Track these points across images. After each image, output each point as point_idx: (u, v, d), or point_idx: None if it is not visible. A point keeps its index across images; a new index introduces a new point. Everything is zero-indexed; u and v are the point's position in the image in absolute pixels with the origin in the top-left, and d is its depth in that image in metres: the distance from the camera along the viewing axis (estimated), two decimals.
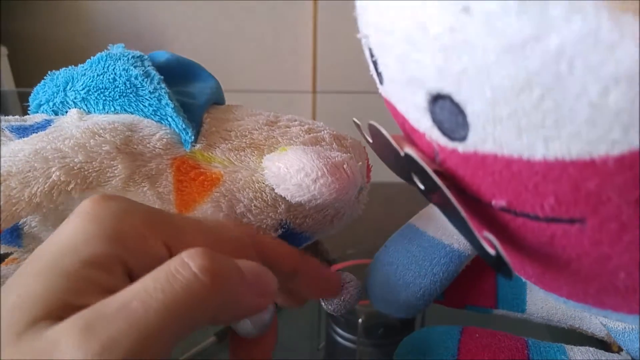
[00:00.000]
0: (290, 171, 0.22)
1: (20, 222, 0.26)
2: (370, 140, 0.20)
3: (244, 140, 0.26)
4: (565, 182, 0.13)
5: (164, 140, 0.25)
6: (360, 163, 0.27)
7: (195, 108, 0.27)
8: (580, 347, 0.25)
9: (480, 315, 0.30)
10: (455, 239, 0.27)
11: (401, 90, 0.16)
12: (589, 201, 0.13)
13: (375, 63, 0.18)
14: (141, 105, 0.25)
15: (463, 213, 0.16)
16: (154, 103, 0.25)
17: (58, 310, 0.14)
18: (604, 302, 0.18)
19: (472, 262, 0.28)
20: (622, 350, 0.27)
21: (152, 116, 0.25)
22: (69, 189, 0.22)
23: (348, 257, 0.40)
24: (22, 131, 0.26)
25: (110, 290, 0.15)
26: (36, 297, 0.14)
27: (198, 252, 0.16)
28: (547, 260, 0.17)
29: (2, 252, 0.29)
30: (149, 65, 0.27)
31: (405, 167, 0.18)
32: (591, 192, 0.13)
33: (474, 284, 0.30)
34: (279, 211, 0.25)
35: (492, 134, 0.13)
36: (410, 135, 0.18)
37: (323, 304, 0.27)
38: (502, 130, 0.13)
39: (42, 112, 0.28)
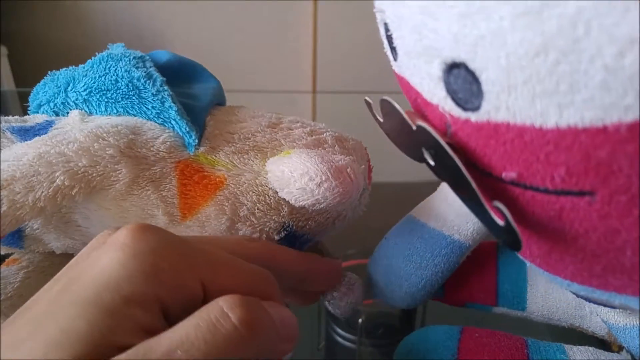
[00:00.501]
0: (294, 175, 0.22)
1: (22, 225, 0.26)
2: (381, 120, 0.20)
3: (247, 142, 0.26)
4: (577, 151, 0.13)
5: (168, 143, 0.24)
6: (362, 166, 0.27)
7: (198, 110, 0.27)
8: (579, 347, 0.25)
9: (480, 315, 0.30)
10: (455, 230, 0.27)
11: (416, 61, 0.16)
12: (599, 171, 0.13)
13: (389, 38, 0.18)
14: (144, 108, 0.25)
15: (473, 183, 0.16)
16: (157, 105, 0.25)
17: (101, 348, 0.14)
18: (609, 283, 0.18)
19: (473, 259, 0.28)
20: (622, 350, 0.27)
21: (155, 119, 0.25)
22: (72, 193, 0.21)
23: (348, 257, 0.40)
24: (23, 133, 0.26)
25: (147, 330, 0.15)
26: (80, 333, 0.14)
27: (237, 302, 0.16)
28: (555, 236, 0.17)
29: (2, 253, 0.29)
30: (150, 67, 0.27)
31: (416, 143, 0.18)
32: (602, 161, 0.13)
33: (475, 281, 0.30)
34: (282, 214, 0.25)
35: (506, 102, 0.14)
36: (423, 110, 0.18)
37: (330, 307, 0.28)
38: (516, 98, 0.13)
39: (43, 112, 0.28)
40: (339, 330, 0.39)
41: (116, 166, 0.23)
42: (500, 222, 0.15)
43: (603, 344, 0.30)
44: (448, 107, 0.16)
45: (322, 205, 0.22)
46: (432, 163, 0.18)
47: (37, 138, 0.23)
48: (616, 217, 0.14)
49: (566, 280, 0.20)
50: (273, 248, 0.23)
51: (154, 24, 0.98)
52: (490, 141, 0.15)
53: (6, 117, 0.27)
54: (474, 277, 0.30)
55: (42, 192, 0.21)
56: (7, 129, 0.26)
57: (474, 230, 0.27)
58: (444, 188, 0.29)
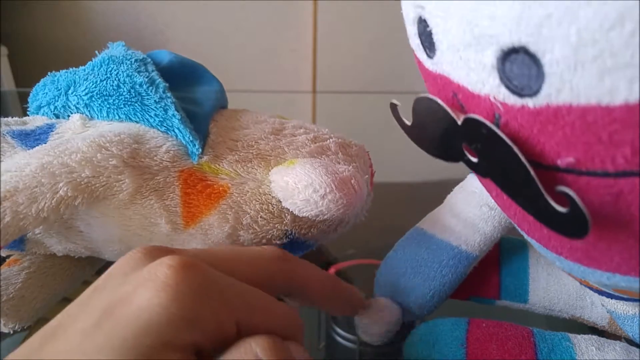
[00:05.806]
0: (299, 186, 0.22)
1: None
2: (408, 123, 0.19)
3: (251, 150, 0.26)
4: None
5: (171, 152, 0.24)
6: (366, 176, 0.27)
7: (201, 117, 0.27)
8: (583, 335, 0.26)
9: (480, 313, 0.31)
10: (463, 241, 0.27)
11: (463, 53, 0.16)
12: None
13: (427, 35, 0.17)
14: (147, 116, 0.25)
15: (530, 169, 0.15)
16: (160, 114, 0.25)
17: None
18: None
19: None
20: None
21: (159, 126, 0.25)
22: (75, 204, 0.21)
23: (348, 257, 0.40)
24: (24, 137, 0.26)
25: None
26: None
27: (269, 346, 0.17)
28: (607, 223, 0.16)
29: (3, 255, 0.28)
30: (152, 71, 0.26)
31: (457, 139, 0.17)
32: None
33: (478, 274, 0.30)
34: (284, 222, 0.25)
35: (570, 82, 0.13)
36: (464, 105, 0.18)
37: (362, 335, 0.28)
38: (582, 76, 0.13)
39: (43, 114, 0.28)
40: (339, 330, 0.39)
41: (119, 176, 0.22)
42: (562, 209, 0.15)
43: (603, 335, 0.30)
44: (501, 96, 0.15)
45: (325, 216, 0.22)
46: (474, 160, 0.17)
47: (39, 147, 0.23)
48: None
49: (607, 272, 0.19)
50: (306, 274, 0.22)
51: (154, 24, 0.98)
52: (547, 127, 0.15)
53: (6, 119, 0.27)
54: (478, 271, 0.30)
55: (45, 203, 0.20)
56: (7, 133, 0.26)
57: (481, 241, 0.27)
58: (450, 200, 0.29)
